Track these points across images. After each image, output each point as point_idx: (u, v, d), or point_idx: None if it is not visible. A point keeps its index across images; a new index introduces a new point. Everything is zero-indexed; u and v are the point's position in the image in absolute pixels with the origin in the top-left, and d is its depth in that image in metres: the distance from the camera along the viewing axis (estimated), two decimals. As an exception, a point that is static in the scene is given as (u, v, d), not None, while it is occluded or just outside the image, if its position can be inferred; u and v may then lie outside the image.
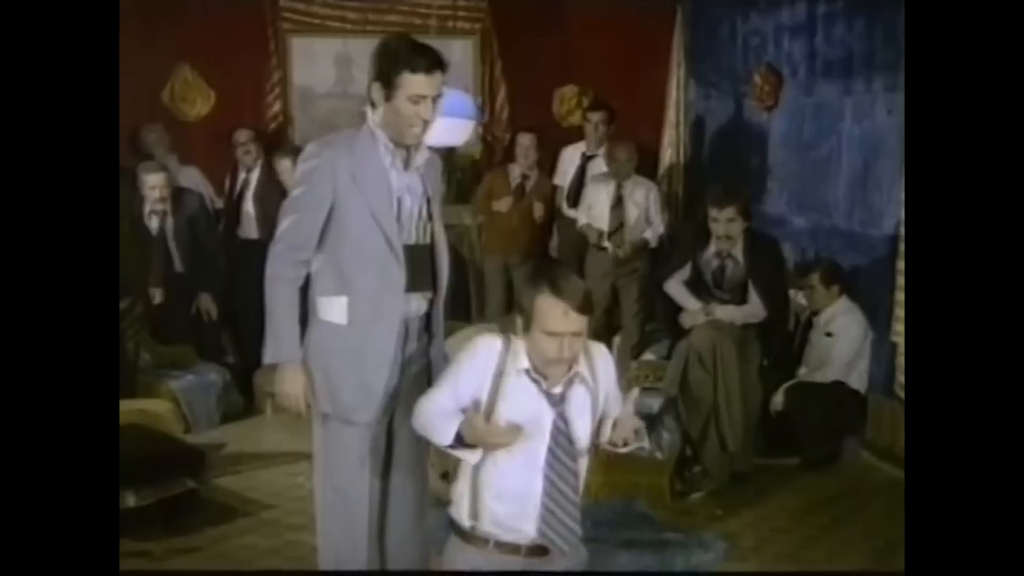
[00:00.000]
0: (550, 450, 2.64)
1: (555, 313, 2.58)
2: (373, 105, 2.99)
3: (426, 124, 2.96)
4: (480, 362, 2.70)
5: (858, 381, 5.26)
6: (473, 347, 2.74)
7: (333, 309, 3.00)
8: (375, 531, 3.17)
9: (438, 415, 2.70)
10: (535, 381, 2.66)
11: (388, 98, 2.93)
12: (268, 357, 3.02)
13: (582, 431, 2.69)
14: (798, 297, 5.51)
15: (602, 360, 2.79)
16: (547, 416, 2.65)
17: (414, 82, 2.89)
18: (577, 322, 2.59)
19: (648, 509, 4.42)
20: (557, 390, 2.67)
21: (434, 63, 2.93)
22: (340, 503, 3.09)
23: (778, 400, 5.16)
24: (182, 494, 4.35)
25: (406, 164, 3.03)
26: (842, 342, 5.23)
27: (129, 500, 4.12)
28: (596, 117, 6.67)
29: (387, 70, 2.92)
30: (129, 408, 4.77)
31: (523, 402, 2.65)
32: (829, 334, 5.27)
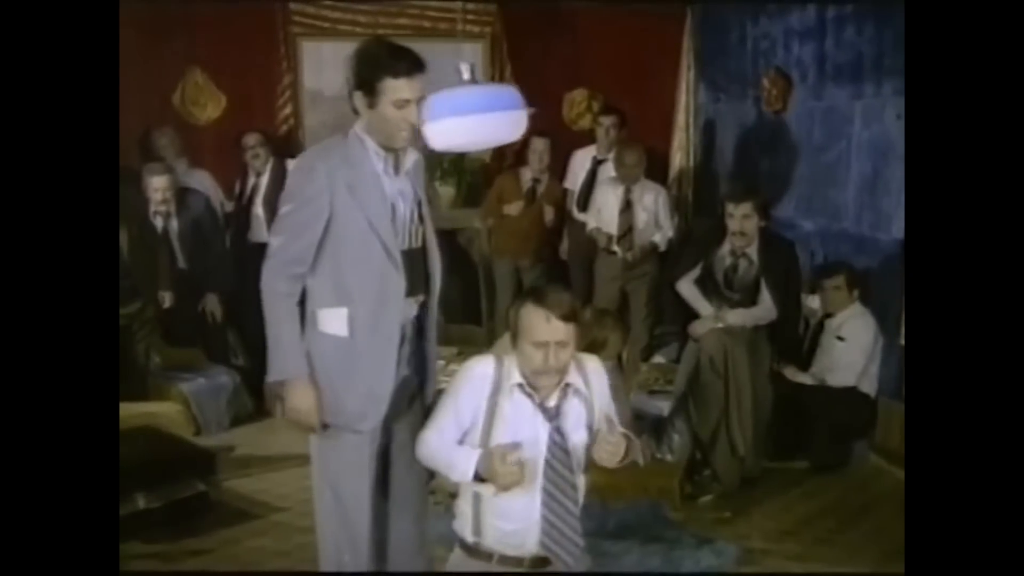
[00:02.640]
0: (547, 463, 2.68)
1: (539, 322, 2.64)
2: (356, 113, 2.97)
3: (413, 127, 2.94)
4: (476, 384, 2.74)
5: (868, 385, 5.25)
6: (467, 370, 2.78)
7: (333, 321, 2.96)
8: (376, 535, 3.16)
9: (449, 448, 2.73)
10: (528, 395, 2.70)
11: (372, 105, 2.90)
12: (273, 375, 2.98)
13: (578, 442, 2.72)
14: (806, 300, 5.50)
15: (595, 372, 2.82)
16: (543, 430, 2.69)
17: (397, 87, 2.86)
18: (562, 331, 2.64)
19: (658, 511, 4.42)
20: (551, 403, 2.71)
21: (414, 66, 2.89)
22: (340, 508, 3.08)
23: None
24: (192, 496, 4.36)
25: (396, 169, 3.01)
26: (854, 346, 5.21)
27: (139, 502, 4.15)
28: (608, 121, 6.67)
29: (368, 77, 2.89)
30: (139, 411, 4.81)
31: (519, 419, 2.69)
32: (840, 338, 5.25)
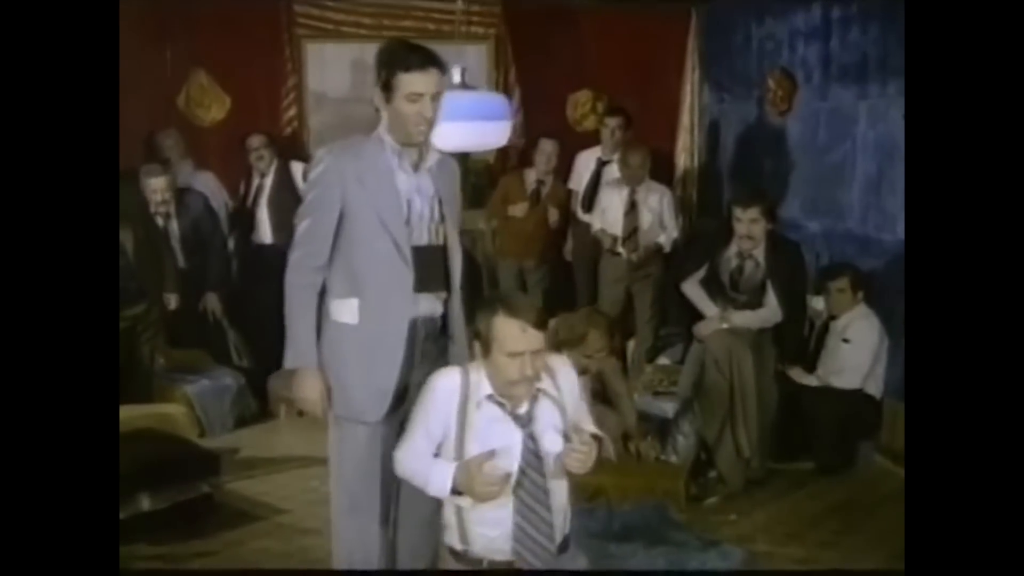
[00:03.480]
0: (520, 469, 2.67)
1: (513, 333, 2.63)
2: (378, 111, 3.05)
3: (429, 122, 2.99)
4: (443, 398, 2.74)
5: (873, 386, 5.22)
6: (432, 385, 2.78)
7: (345, 310, 3.04)
8: (387, 530, 3.19)
9: (425, 464, 2.74)
10: (500, 404, 2.70)
11: (389, 100, 2.97)
12: (288, 363, 3.08)
13: (551, 447, 2.70)
14: (811, 301, 5.47)
15: (564, 373, 2.82)
16: (516, 437, 2.69)
17: (409, 80, 2.93)
18: (536, 339, 2.65)
19: (664, 513, 4.40)
20: (523, 410, 2.71)
21: (428, 60, 2.96)
22: (352, 503, 3.13)
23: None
24: (196, 498, 4.36)
25: (416, 166, 3.06)
26: (860, 348, 5.18)
27: (144, 504, 4.14)
28: (613, 122, 6.67)
29: (384, 74, 2.97)
30: (144, 412, 4.79)
31: (491, 428, 2.69)
32: (846, 340, 5.22)
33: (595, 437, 2.73)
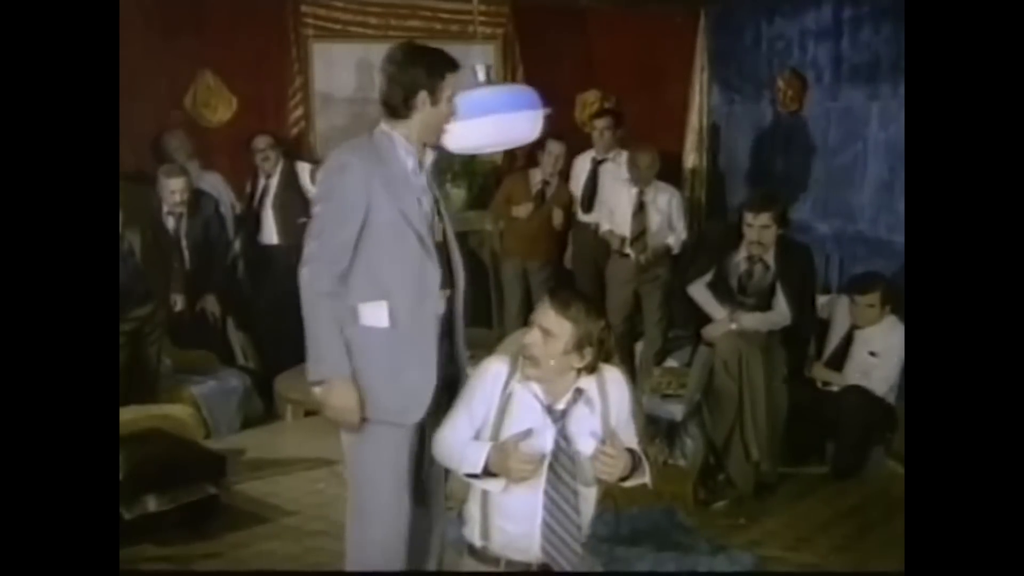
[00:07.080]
0: (550, 467, 2.68)
1: (538, 306, 2.74)
2: (407, 115, 3.00)
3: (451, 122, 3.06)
4: (489, 382, 2.77)
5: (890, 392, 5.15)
6: (482, 370, 2.81)
7: (374, 314, 2.97)
8: (411, 532, 3.13)
9: (462, 444, 2.75)
10: (532, 394, 2.70)
11: (435, 103, 2.98)
12: (314, 375, 2.98)
13: (584, 451, 2.70)
14: (820, 300, 5.41)
15: (615, 385, 2.81)
16: (548, 432, 2.69)
17: (453, 81, 3.01)
18: (551, 318, 2.66)
19: (672, 517, 4.38)
20: (560, 406, 2.71)
21: (455, 62, 3.05)
22: (376, 506, 3.06)
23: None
24: (203, 499, 4.34)
25: (421, 165, 3.08)
26: (887, 362, 5.04)
27: (150, 505, 4.13)
28: (601, 123, 6.65)
29: (433, 75, 2.98)
30: (150, 413, 4.78)
31: (527, 418, 2.70)
32: (873, 353, 5.09)
33: (631, 453, 2.72)
